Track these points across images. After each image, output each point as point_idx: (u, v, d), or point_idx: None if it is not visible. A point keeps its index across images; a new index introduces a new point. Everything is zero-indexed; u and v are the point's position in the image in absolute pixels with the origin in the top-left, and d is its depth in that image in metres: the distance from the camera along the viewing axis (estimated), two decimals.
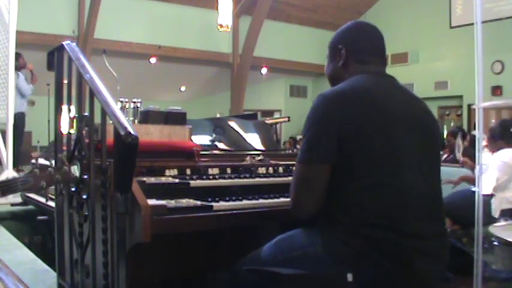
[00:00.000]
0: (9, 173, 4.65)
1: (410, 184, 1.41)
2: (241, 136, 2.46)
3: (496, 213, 3.66)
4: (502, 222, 3.09)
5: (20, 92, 6.24)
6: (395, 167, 1.40)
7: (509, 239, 2.32)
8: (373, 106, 1.43)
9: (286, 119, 3.66)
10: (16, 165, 6.03)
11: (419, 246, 1.37)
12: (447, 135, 6.31)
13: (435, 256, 1.41)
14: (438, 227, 1.46)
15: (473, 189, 3.96)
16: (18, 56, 6.12)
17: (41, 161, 3.31)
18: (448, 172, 4.55)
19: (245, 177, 1.98)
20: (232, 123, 2.51)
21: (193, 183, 1.78)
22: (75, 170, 1.44)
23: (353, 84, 1.49)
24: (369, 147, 1.39)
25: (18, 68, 6.17)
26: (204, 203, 1.67)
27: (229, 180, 1.92)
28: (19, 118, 6.24)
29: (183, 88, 14.40)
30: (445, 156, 6.09)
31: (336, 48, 1.63)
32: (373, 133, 1.40)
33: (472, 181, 4.04)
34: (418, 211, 1.40)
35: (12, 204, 4.14)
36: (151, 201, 1.55)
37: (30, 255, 2.94)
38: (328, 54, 1.69)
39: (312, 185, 1.44)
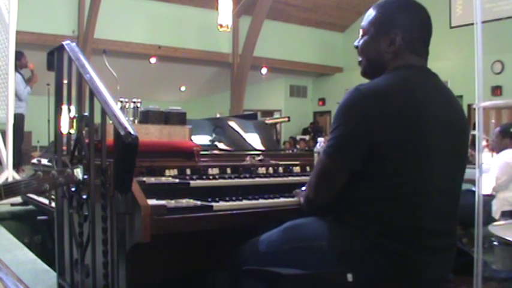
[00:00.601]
0: (9, 173, 4.65)
1: (433, 202, 1.36)
2: (241, 136, 2.46)
3: (496, 215, 3.66)
4: (502, 222, 3.09)
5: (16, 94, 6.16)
6: (420, 184, 1.34)
7: (508, 238, 2.32)
8: (412, 113, 1.34)
9: (286, 119, 3.67)
10: (15, 166, 6.03)
11: (427, 259, 1.35)
12: None
13: (441, 266, 1.40)
14: (449, 241, 1.43)
15: (473, 189, 3.96)
16: (20, 55, 6.09)
17: (42, 161, 3.30)
18: None
19: (245, 177, 1.98)
20: (232, 123, 2.51)
21: (193, 183, 1.78)
22: (78, 172, 1.44)
23: (393, 84, 1.38)
24: (398, 159, 1.33)
25: (18, 67, 6.12)
26: (204, 203, 1.67)
27: (229, 180, 1.92)
28: (16, 119, 6.21)
29: (183, 88, 14.41)
30: None
31: (389, 32, 1.43)
32: (405, 145, 1.32)
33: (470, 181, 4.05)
34: (433, 227, 1.37)
35: (12, 204, 4.14)
36: (151, 201, 1.55)
37: (30, 255, 2.94)
38: (371, 30, 1.48)
39: (331, 181, 1.41)
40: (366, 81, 1.48)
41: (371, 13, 1.50)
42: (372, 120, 1.31)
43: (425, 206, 1.35)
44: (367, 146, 1.31)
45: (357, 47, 1.54)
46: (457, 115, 1.46)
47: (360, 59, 1.54)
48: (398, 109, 1.33)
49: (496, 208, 3.72)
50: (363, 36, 1.51)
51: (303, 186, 1.71)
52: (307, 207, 1.53)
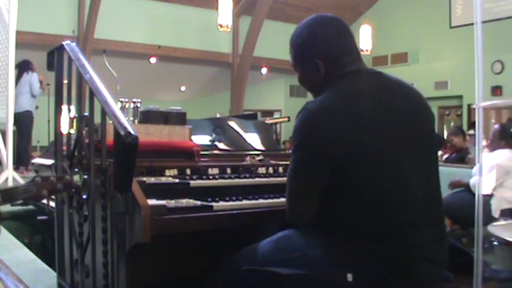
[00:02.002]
0: (9, 173, 4.65)
1: (410, 194, 1.37)
2: (241, 136, 2.46)
3: (496, 214, 3.66)
4: (501, 222, 3.10)
5: (31, 90, 6.31)
6: (394, 180, 1.36)
7: (507, 238, 2.32)
8: (363, 117, 1.36)
9: (286, 119, 3.66)
10: (25, 164, 6.05)
11: (419, 253, 1.35)
12: (448, 135, 6.30)
13: (435, 260, 1.40)
14: (438, 231, 1.44)
15: (472, 189, 3.97)
16: (28, 63, 6.26)
17: (41, 161, 3.30)
18: (451, 172, 4.56)
19: (245, 177, 1.98)
20: (232, 123, 2.51)
21: (193, 183, 1.78)
22: (77, 179, 1.44)
23: (338, 95, 1.41)
24: (364, 164, 1.34)
25: (32, 69, 6.31)
26: (204, 203, 1.67)
27: (229, 180, 1.92)
28: (26, 116, 6.29)
29: (183, 88, 14.40)
30: (446, 156, 6.08)
31: (311, 62, 1.50)
32: (366, 149, 1.34)
33: (463, 185, 4.06)
34: (419, 221, 1.37)
35: (12, 204, 4.13)
36: (151, 201, 1.55)
37: (30, 255, 2.94)
38: (298, 65, 1.57)
39: (303, 200, 1.44)
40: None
41: (291, 51, 1.58)
42: (325, 133, 1.34)
43: (402, 202, 1.36)
44: (327, 159, 1.34)
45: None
46: (416, 105, 1.47)
47: None
48: (348, 116, 1.35)
49: (495, 207, 3.73)
50: (296, 71, 1.59)
51: None
52: (290, 222, 1.52)
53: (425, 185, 1.42)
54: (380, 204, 1.35)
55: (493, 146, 4.06)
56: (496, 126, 4.24)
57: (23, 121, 6.27)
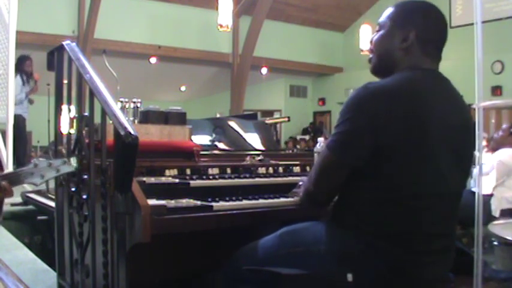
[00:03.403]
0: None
1: (433, 203, 1.34)
2: (241, 136, 2.46)
3: (496, 213, 3.66)
4: (501, 221, 3.10)
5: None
6: (423, 185, 1.33)
7: (507, 237, 2.33)
8: (418, 116, 1.32)
9: (286, 119, 3.67)
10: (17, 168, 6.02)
11: (426, 260, 1.34)
12: None
13: (440, 267, 1.40)
14: (449, 242, 1.42)
15: (473, 189, 3.97)
16: (28, 59, 6.15)
17: (41, 159, 3.31)
18: None
19: (245, 177, 1.98)
20: (232, 123, 2.51)
21: (193, 183, 1.78)
22: (74, 161, 1.44)
23: (403, 84, 1.36)
24: (400, 161, 1.31)
25: (22, 71, 6.20)
26: (204, 203, 1.67)
27: (229, 180, 1.92)
28: (19, 120, 6.26)
29: (183, 88, 14.41)
30: None
31: (404, 28, 1.42)
32: (408, 147, 1.30)
33: None
34: (433, 230, 1.36)
35: (12, 204, 4.14)
36: (151, 201, 1.55)
37: (30, 255, 2.94)
38: (387, 25, 1.47)
39: (331, 175, 1.39)
40: (374, 79, 1.47)
41: (390, 9, 1.49)
42: (379, 120, 1.29)
43: (424, 210, 1.34)
44: (371, 145, 1.30)
45: (371, 41, 1.53)
46: (464, 122, 1.44)
47: (371, 56, 1.53)
48: (405, 111, 1.31)
49: (495, 207, 3.73)
50: (378, 31, 1.50)
51: (301, 183, 1.71)
52: (306, 200, 1.50)
53: (451, 200, 1.41)
54: (406, 205, 1.32)
55: (497, 145, 4.05)
56: (504, 126, 4.24)
57: (18, 125, 6.26)
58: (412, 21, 1.44)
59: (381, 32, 1.49)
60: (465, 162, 1.45)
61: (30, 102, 6.60)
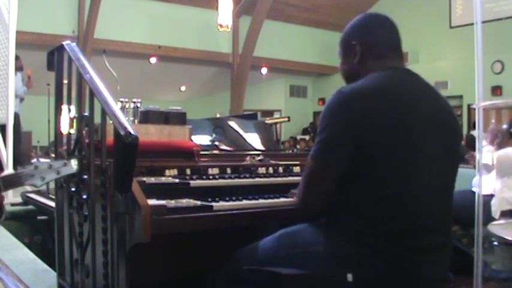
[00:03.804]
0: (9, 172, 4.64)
1: (426, 197, 1.35)
2: (241, 136, 2.46)
3: (496, 215, 3.65)
4: (501, 221, 3.09)
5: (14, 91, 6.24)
6: (413, 180, 1.34)
7: (507, 237, 2.33)
8: (394, 110, 1.34)
9: (286, 119, 3.66)
10: (22, 164, 6.01)
11: (423, 257, 1.34)
12: None
13: (438, 264, 1.40)
14: (444, 238, 1.42)
15: (473, 189, 3.97)
16: (16, 57, 6.14)
17: (41, 160, 3.31)
18: None
19: (245, 177, 1.97)
20: (232, 123, 2.51)
21: (193, 183, 1.78)
22: (75, 163, 1.44)
23: (373, 83, 1.39)
24: (387, 157, 1.31)
25: (16, 68, 6.18)
26: (204, 203, 1.67)
27: (229, 180, 1.91)
28: (14, 119, 6.24)
29: (183, 88, 14.42)
30: None
31: (350, 44, 1.51)
32: (391, 142, 1.32)
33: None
34: (427, 225, 1.36)
35: (12, 204, 4.14)
36: (151, 201, 1.55)
37: (30, 255, 2.94)
38: (340, 51, 1.57)
39: (320, 185, 1.40)
40: None
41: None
42: (357, 120, 1.31)
43: (416, 205, 1.34)
44: (353, 147, 1.31)
45: None
46: (443, 112, 1.46)
47: None
48: (383, 108, 1.33)
49: (495, 208, 3.72)
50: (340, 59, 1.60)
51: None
52: (299, 215, 1.51)
53: (442, 193, 1.41)
54: (396, 202, 1.33)
55: (499, 145, 4.04)
56: (505, 126, 4.23)
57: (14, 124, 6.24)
58: (354, 36, 1.52)
59: (340, 61, 1.58)
60: (451, 154, 1.45)
61: (21, 100, 6.57)
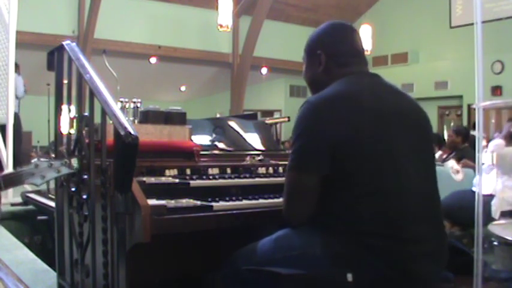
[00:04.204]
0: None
1: (408, 187, 1.38)
2: (241, 136, 2.46)
3: (496, 215, 3.65)
4: (501, 221, 3.09)
5: (15, 92, 6.26)
6: (392, 172, 1.38)
7: (507, 237, 2.32)
8: (362, 109, 1.40)
9: (286, 119, 3.66)
10: (22, 164, 6.00)
11: (419, 250, 1.35)
12: (449, 133, 6.23)
13: (435, 257, 1.40)
14: (437, 228, 1.45)
15: (473, 189, 3.96)
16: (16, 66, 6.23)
17: (42, 160, 3.31)
18: (449, 172, 4.55)
19: (245, 177, 1.97)
20: (232, 123, 2.51)
21: (193, 183, 1.78)
22: (75, 162, 1.44)
23: (339, 89, 1.45)
24: (363, 154, 1.36)
25: (17, 72, 6.22)
26: (204, 203, 1.67)
27: (229, 180, 1.91)
28: (15, 119, 6.24)
29: (183, 88, 14.41)
30: (444, 155, 6.06)
31: (314, 54, 1.58)
32: (365, 139, 1.37)
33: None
34: (417, 215, 1.38)
35: (12, 204, 4.14)
36: (151, 201, 1.55)
37: (30, 255, 2.94)
38: (305, 57, 1.65)
39: (302, 194, 1.43)
40: None
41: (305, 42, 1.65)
42: (326, 125, 1.36)
43: (398, 198, 1.37)
44: (328, 146, 1.35)
45: None
46: (410, 107, 1.51)
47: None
48: (350, 110, 1.38)
49: (496, 208, 3.71)
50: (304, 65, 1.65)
51: None
52: (288, 223, 1.51)
53: (424, 183, 1.44)
54: (378, 197, 1.35)
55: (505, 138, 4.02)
56: (506, 125, 4.22)
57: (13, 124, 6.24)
58: (318, 45, 1.58)
59: (304, 66, 1.65)
60: (423, 143, 1.50)
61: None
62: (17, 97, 6.29)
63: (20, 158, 6.09)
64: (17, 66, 6.20)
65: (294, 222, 1.48)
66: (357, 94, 1.43)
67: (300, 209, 1.45)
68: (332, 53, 1.55)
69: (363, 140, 1.37)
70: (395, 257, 1.33)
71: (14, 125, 6.13)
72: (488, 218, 3.27)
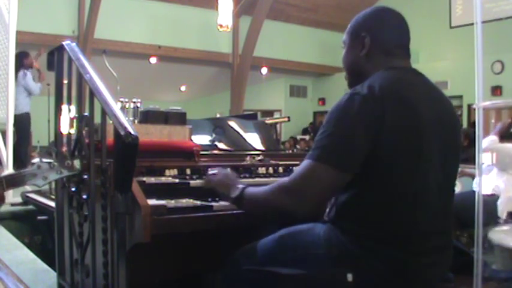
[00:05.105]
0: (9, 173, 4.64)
1: (427, 201, 1.33)
2: (241, 136, 2.46)
3: (503, 215, 3.62)
4: (504, 227, 3.08)
5: (28, 91, 6.21)
6: (417, 183, 1.32)
7: (510, 244, 2.32)
8: (406, 111, 1.31)
9: (286, 119, 3.66)
10: (25, 166, 5.95)
11: (424, 260, 1.34)
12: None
13: (438, 266, 1.40)
14: (446, 240, 1.42)
15: (474, 189, 3.96)
16: (26, 54, 6.14)
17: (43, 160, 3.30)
18: None
19: (245, 177, 1.97)
20: (232, 123, 2.51)
21: (193, 183, 1.78)
22: (77, 163, 1.44)
23: (386, 83, 1.34)
24: (400, 159, 1.29)
25: (26, 66, 6.15)
26: (204, 203, 1.67)
27: None
28: (25, 118, 6.23)
29: (183, 88, 14.41)
30: None
31: (359, 36, 1.45)
32: (406, 143, 1.29)
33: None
34: (428, 229, 1.35)
35: (12, 204, 4.14)
36: (151, 201, 1.55)
37: (30, 255, 2.94)
38: (346, 40, 1.51)
39: (329, 191, 1.32)
40: None
41: (348, 26, 1.53)
42: (375, 122, 1.27)
43: (419, 208, 1.33)
44: (366, 149, 1.28)
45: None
46: (448, 114, 1.44)
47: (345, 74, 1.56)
48: (395, 111, 1.29)
49: (502, 208, 3.69)
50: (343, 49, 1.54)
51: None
52: (290, 214, 1.36)
53: (442, 196, 1.40)
54: (400, 206, 1.31)
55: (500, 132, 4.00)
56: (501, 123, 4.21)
57: (23, 123, 6.21)
58: (364, 28, 1.46)
59: (344, 50, 1.53)
60: (454, 156, 1.44)
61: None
62: (30, 95, 6.23)
63: (25, 159, 6.08)
64: (27, 55, 6.11)
65: (304, 211, 1.33)
66: (402, 94, 1.33)
67: (317, 202, 1.33)
68: (378, 37, 1.43)
69: (397, 146, 1.29)
70: (398, 265, 1.31)
71: (24, 125, 6.14)
72: (494, 218, 3.25)
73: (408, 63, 1.47)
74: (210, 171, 1.70)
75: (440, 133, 1.37)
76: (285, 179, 1.37)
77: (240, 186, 1.51)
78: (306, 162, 1.33)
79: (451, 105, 1.48)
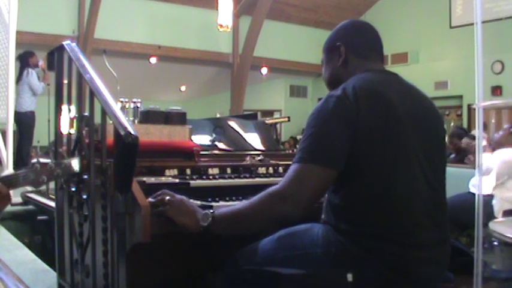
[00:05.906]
0: (9, 173, 4.64)
1: (418, 194, 1.36)
2: (241, 136, 2.46)
3: (498, 214, 3.64)
4: (502, 219, 3.09)
5: (31, 90, 6.22)
6: (404, 177, 1.35)
7: (509, 235, 2.32)
8: (384, 107, 1.36)
9: (286, 119, 3.66)
10: (26, 165, 5.95)
11: (422, 255, 1.35)
12: (450, 137, 6.23)
13: (437, 262, 1.40)
14: (442, 234, 1.43)
15: (471, 189, 3.96)
16: (31, 54, 6.15)
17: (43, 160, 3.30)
18: (449, 173, 4.55)
19: (245, 177, 1.98)
20: (232, 123, 2.51)
21: (193, 183, 1.78)
22: (76, 163, 1.43)
23: (362, 83, 1.40)
24: (378, 154, 1.33)
25: (31, 65, 6.17)
26: (204, 203, 1.67)
27: (229, 180, 1.92)
28: (29, 117, 6.24)
29: (183, 88, 14.40)
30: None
31: (334, 47, 1.55)
32: (385, 138, 1.34)
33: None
34: (423, 220, 1.37)
35: (12, 204, 4.14)
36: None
37: (30, 255, 2.95)
38: (324, 57, 1.62)
39: (320, 189, 1.36)
40: None
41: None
42: (353, 120, 1.32)
43: (408, 202, 1.35)
44: (350, 143, 1.32)
45: None
46: (427, 109, 1.49)
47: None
48: (372, 108, 1.35)
49: (498, 208, 3.71)
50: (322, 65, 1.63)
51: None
52: (286, 214, 1.36)
53: (433, 189, 1.42)
54: (390, 200, 1.33)
55: (497, 145, 4.02)
56: (506, 126, 4.22)
57: (26, 122, 6.23)
58: (338, 38, 1.57)
59: (323, 67, 1.63)
60: (437, 150, 1.48)
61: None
62: (34, 94, 6.24)
63: (26, 158, 6.07)
64: (32, 54, 6.11)
65: (299, 208, 1.34)
66: (378, 93, 1.39)
67: (308, 201, 1.34)
68: (352, 42, 1.54)
69: (382, 140, 1.33)
70: (397, 261, 1.32)
71: (28, 123, 6.14)
72: (489, 217, 3.27)
73: (382, 66, 1.55)
74: (166, 197, 1.51)
75: (420, 128, 1.41)
76: (275, 187, 1.40)
77: (208, 211, 1.46)
78: (293, 167, 1.37)
79: (430, 102, 1.53)
